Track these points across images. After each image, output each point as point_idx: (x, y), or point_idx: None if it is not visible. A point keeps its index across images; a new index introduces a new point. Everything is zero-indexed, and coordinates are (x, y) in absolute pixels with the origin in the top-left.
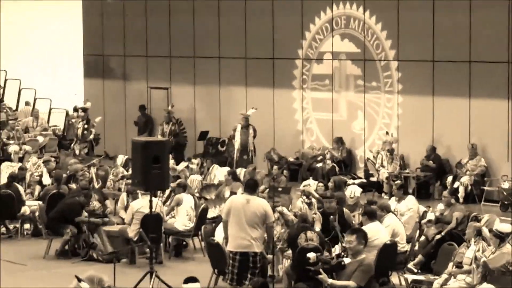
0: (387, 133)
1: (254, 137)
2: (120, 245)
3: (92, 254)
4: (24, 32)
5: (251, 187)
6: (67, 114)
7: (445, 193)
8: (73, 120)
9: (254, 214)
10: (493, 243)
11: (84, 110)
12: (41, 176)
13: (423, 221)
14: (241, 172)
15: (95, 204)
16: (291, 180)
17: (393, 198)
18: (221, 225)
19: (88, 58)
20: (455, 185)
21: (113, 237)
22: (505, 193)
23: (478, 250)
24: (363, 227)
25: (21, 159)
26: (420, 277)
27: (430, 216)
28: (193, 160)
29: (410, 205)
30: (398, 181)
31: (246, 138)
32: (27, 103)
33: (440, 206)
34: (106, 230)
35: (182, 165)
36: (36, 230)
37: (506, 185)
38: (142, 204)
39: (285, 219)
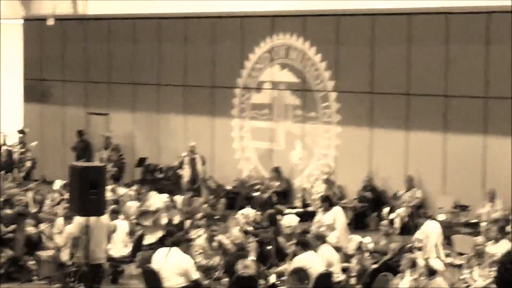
0: (329, 167)
1: (203, 164)
2: (53, 269)
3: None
4: None
5: None
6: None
7: (384, 222)
8: (9, 144)
9: (105, 227)
10: (424, 274)
11: (23, 132)
12: None
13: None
14: (178, 199)
15: (30, 229)
16: (228, 209)
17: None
18: (159, 251)
19: (28, 83)
20: (391, 216)
21: (46, 261)
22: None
23: (413, 281)
24: (296, 257)
25: None
26: None
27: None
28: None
29: (338, 216)
30: (322, 193)
31: (195, 169)
32: None
33: (367, 239)
34: (40, 254)
35: (123, 190)
36: None
37: (441, 217)
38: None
39: (224, 248)
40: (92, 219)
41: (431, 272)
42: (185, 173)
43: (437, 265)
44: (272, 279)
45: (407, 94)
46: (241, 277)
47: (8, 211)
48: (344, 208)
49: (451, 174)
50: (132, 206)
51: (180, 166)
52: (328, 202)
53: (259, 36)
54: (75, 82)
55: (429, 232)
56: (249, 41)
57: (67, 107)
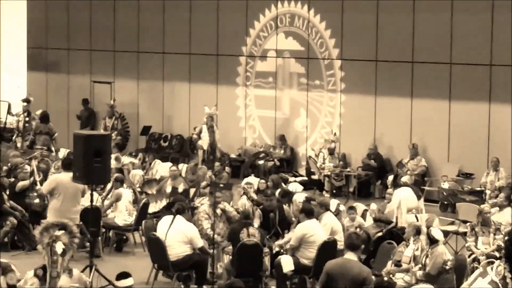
0: (334, 133)
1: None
2: None
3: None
4: None
5: (69, 165)
6: (9, 106)
7: (390, 190)
8: (15, 113)
9: (77, 189)
10: (426, 243)
11: (27, 101)
12: None
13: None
14: (182, 168)
15: (35, 198)
16: (233, 177)
17: None
18: (163, 219)
19: (31, 51)
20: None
21: None
22: (444, 193)
23: (417, 249)
24: (299, 224)
25: None
26: None
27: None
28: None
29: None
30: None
31: (213, 138)
32: None
33: (373, 206)
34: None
35: (127, 159)
36: None
37: (446, 185)
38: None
39: (227, 215)
40: (64, 181)
41: (432, 241)
42: (204, 143)
43: (437, 234)
44: (277, 247)
45: (412, 61)
46: (245, 245)
47: (13, 180)
48: (348, 176)
49: (456, 142)
50: (137, 174)
51: (199, 135)
52: (285, 195)
53: (264, 3)
54: (79, 50)
55: (397, 198)
56: (254, 8)
57: (72, 76)
